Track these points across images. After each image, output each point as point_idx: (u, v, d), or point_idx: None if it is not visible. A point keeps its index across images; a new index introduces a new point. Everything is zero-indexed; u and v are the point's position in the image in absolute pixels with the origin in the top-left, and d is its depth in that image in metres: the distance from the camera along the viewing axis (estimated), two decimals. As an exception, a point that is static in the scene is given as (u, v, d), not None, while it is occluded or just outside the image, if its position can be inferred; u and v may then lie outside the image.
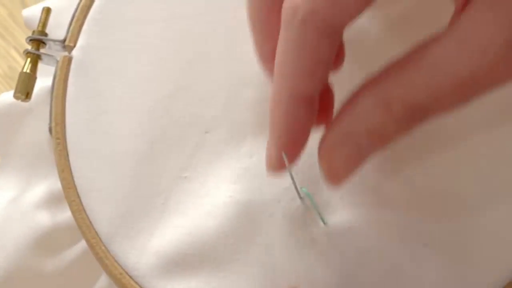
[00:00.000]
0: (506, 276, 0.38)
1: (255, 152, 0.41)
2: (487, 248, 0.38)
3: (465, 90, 0.30)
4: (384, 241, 0.38)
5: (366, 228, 0.39)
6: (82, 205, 0.40)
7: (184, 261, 0.39)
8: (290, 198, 0.39)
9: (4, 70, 0.55)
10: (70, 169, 0.41)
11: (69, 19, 0.45)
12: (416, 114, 0.30)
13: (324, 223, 0.39)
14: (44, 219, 0.43)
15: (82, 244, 0.42)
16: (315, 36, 0.31)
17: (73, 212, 0.40)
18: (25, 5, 0.56)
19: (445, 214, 0.39)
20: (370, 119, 0.31)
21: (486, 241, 0.38)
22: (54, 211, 0.43)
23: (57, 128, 0.42)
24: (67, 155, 0.41)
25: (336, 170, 0.33)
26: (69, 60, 0.43)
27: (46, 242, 0.42)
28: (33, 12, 0.49)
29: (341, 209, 0.39)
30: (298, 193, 0.39)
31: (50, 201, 0.43)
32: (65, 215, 0.43)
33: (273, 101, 0.34)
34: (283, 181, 0.39)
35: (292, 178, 0.38)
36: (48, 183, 0.44)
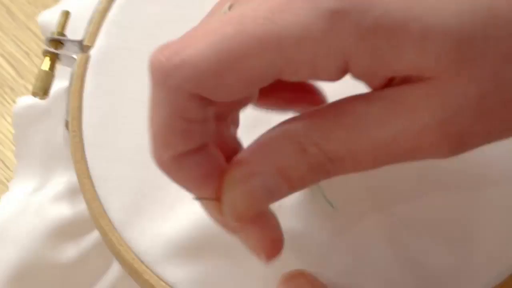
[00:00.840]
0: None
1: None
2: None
3: (383, 156, 0.29)
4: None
5: (375, 217, 0.39)
6: (96, 193, 0.41)
7: (194, 246, 0.40)
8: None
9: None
10: (86, 160, 0.42)
11: (81, 25, 0.46)
12: (331, 165, 0.29)
13: (333, 207, 0.39)
14: (57, 212, 0.44)
15: (94, 235, 0.43)
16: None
17: (87, 200, 0.41)
18: (11, 14, 0.58)
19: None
20: (283, 160, 0.29)
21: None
22: (67, 205, 0.44)
23: (74, 122, 0.43)
24: (83, 147, 0.42)
25: (238, 209, 0.31)
26: (87, 58, 0.45)
27: (59, 234, 0.43)
28: (50, 17, 0.51)
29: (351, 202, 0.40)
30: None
31: (64, 196, 0.44)
32: (78, 208, 0.43)
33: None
34: None
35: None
36: (62, 179, 0.45)
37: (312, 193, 0.40)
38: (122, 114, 0.43)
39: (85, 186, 0.41)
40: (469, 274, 0.38)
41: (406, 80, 0.28)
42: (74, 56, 0.45)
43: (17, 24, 0.53)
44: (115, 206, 0.41)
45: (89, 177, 0.42)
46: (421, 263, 0.38)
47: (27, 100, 0.49)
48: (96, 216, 0.41)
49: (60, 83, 0.47)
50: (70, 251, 0.43)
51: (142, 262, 0.40)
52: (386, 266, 0.39)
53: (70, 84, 0.44)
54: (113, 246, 0.40)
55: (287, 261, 0.39)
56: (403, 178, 0.40)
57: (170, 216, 0.41)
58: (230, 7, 0.30)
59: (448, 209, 0.39)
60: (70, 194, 0.44)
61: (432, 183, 0.40)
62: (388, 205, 0.40)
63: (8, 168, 0.61)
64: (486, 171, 0.40)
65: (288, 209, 0.40)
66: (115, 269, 0.42)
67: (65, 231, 0.43)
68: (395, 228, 0.39)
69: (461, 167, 0.39)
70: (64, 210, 0.44)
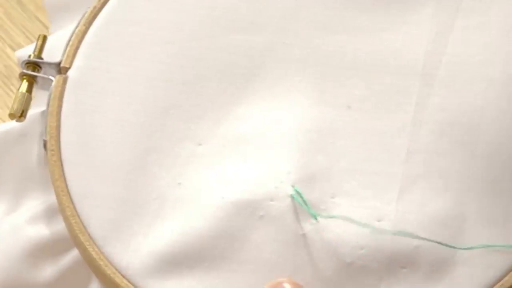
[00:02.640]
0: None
1: (247, 158, 0.42)
2: None
3: None
4: (375, 239, 0.39)
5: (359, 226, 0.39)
6: (76, 210, 0.41)
7: (177, 260, 0.39)
8: (282, 197, 0.40)
9: (-1, 69, 0.56)
10: (65, 178, 0.42)
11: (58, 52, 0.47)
12: None
13: (316, 219, 0.39)
14: (34, 232, 0.43)
15: (72, 253, 0.42)
16: None
17: (67, 217, 0.41)
18: (21, 4, 0.57)
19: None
20: None
21: None
22: (44, 225, 0.44)
23: (52, 141, 0.43)
24: (61, 165, 0.42)
25: None
26: (64, 79, 0.45)
27: (37, 254, 0.43)
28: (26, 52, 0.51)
29: (332, 207, 0.40)
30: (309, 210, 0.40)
31: (40, 216, 0.44)
32: (55, 227, 0.43)
33: None
34: (274, 181, 0.40)
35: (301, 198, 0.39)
36: (38, 202, 0.45)
37: (295, 204, 0.40)
38: (100, 133, 0.43)
39: (65, 203, 0.41)
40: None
41: None
42: (52, 78, 0.45)
43: (27, 15, 0.53)
44: (95, 222, 0.40)
45: (68, 194, 0.41)
46: None
47: (1, 126, 0.48)
48: (76, 232, 0.40)
49: (35, 109, 0.47)
50: (48, 270, 0.43)
51: (123, 276, 0.39)
52: None
53: (48, 104, 0.44)
54: (93, 261, 0.40)
55: (274, 270, 0.39)
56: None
57: (151, 232, 0.40)
58: None
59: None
60: (46, 214, 0.44)
61: None
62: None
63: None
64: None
65: (271, 220, 0.40)
66: (95, 287, 0.41)
67: (43, 251, 0.43)
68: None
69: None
70: (41, 230, 0.43)
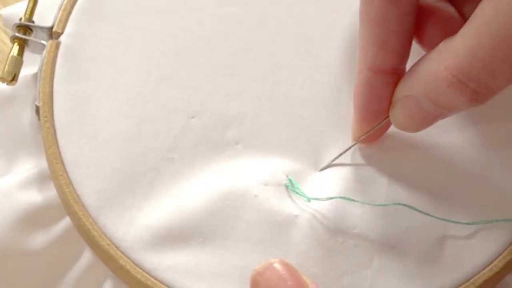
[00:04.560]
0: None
1: (241, 139, 0.42)
2: None
3: None
4: (366, 218, 0.40)
5: (351, 206, 0.40)
6: (69, 179, 0.41)
7: (171, 235, 0.39)
8: (276, 183, 0.41)
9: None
10: (58, 145, 0.41)
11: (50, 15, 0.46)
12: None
13: (308, 199, 0.40)
14: (26, 198, 0.43)
15: (65, 222, 0.42)
16: (380, 3, 0.34)
17: (61, 186, 0.40)
18: None
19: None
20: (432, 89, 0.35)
21: None
22: (36, 192, 0.43)
23: (45, 107, 0.42)
24: (55, 132, 0.42)
25: (400, 124, 0.38)
26: (57, 45, 0.44)
27: (28, 221, 0.42)
28: (13, 10, 0.50)
29: (325, 194, 0.40)
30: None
31: (32, 182, 0.43)
32: (47, 194, 0.42)
33: (356, 75, 0.38)
34: (269, 167, 0.41)
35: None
36: (30, 166, 0.44)
37: (289, 189, 0.40)
38: (94, 101, 0.43)
39: (58, 171, 0.41)
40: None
41: None
42: (44, 42, 0.45)
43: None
44: (89, 191, 0.40)
45: (61, 162, 0.41)
46: None
47: None
48: (70, 202, 0.40)
49: (25, 71, 0.46)
50: (39, 238, 0.42)
51: (117, 248, 0.39)
52: None
53: (40, 69, 0.44)
54: (87, 232, 0.40)
55: (267, 249, 0.39)
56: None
57: (144, 206, 0.40)
58: None
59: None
60: (38, 180, 0.43)
61: None
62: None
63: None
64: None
65: (265, 201, 0.40)
66: (87, 256, 0.41)
67: (34, 218, 0.42)
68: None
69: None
70: (33, 197, 0.43)
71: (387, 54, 0.37)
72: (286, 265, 0.38)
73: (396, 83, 0.37)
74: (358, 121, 0.40)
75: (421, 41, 0.38)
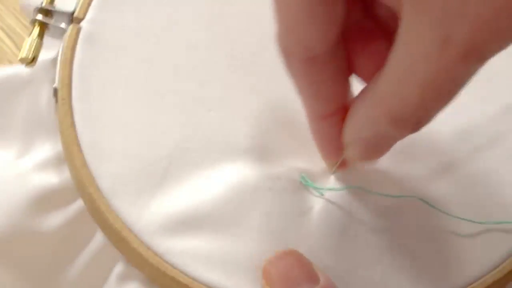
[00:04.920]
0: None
1: (256, 134, 0.42)
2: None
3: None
4: (379, 215, 0.40)
5: (364, 202, 0.40)
6: (85, 160, 0.41)
7: (185, 221, 0.39)
8: (290, 177, 0.41)
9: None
10: (75, 127, 0.42)
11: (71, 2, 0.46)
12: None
13: (322, 194, 0.40)
14: (40, 180, 0.43)
15: (77, 204, 0.42)
16: (293, 64, 0.34)
17: (76, 167, 0.41)
18: None
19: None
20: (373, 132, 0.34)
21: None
22: (51, 174, 0.43)
23: (63, 89, 0.43)
24: (72, 114, 0.42)
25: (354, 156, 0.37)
26: (78, 30, 0.45)
27: (41, 202, 0.42)
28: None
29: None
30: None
31: (46, 164, 0.44)
32: (61, 177, 0.43)
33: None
34: (283, 165, 0.41)
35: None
36: (44, 148, 0.44)
37: (301, 180, 0.41)
38: (113, 86, 0.43)
39: (74, 152, 0.41)
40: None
41: None
42: (64, 26, 0.45)
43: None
44: (104, 174, 0.40)
45: (78, 144, 0.41)
46: None
47: (7, 70, 0.48)
48: (85, 183, 0.40)
49: (44, 55, 0.46)
50: (52, 220, 0.42)
51: (131, 231, 0.39)
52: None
53: (60, 53, 0.44)
54: (101, 214, 0.40)
55: (279, 240, 0.39)
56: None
57: (159, 190, 0.40)
58: None
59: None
60: (54, 162, 0.43)
61: None
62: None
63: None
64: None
65: (278, 193, 0.40)
66: (98, 239, 0.42)
67: (48, 200, 0.42)
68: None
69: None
70: (48, 178, 0.43)
71: (324, 102, 0.37)
72: (298, 256, 0.38)
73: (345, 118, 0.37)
74: (325, 158, 0.41)
75: (357, 73, 0.37)
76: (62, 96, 0.43)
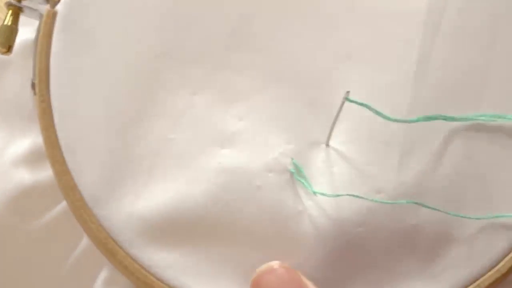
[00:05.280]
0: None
1: (245, 115, 0.40)
2: None
3: None
4: (373, 216, 0.39)
5: (357, 203, 0.39)
6: (66, 165, 0.39)
7: (170, 228, 0.38)
8: (280, 170, 0.39)
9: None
10: (55, 128, 0.40)
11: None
12: None
13: (314, 192, 0.38)
14: (24, 177, 0.42)
15: (63, 204, 0.41)
16: None
17: (57, 173, 0.39)
18: None
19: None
20: None
21: None
22: (34, 169, 0.42)
23: (41, 85, 0.40)
24: (51, 113, 0.40)
25: None
26: (54, 14, 0.42)
27: (25, 200, 0.41)
28: None
29: (331, 177, 0.39)
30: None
31: (30, 159, 0.42)
32: (46, 173, 0.41)
33: None
34: (273, 150, 0.39)
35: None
36: (28, 140, 0.43)
37: (294, 177, 0.39)
38: (93, 78, 0.41)
39: (55, 157, 0.39)
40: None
41: None
42: (40, 11, 0.42)
43: None
44: (86, 180, 0.39)
45: (58, 147, 0.39)
46: None
47: None
48: (67, 191, 0.39)
49: (22, 33, 0.44)
50: (37, 219, 0.42)
51: (115, 242, 0.38)
52: None
53: (36, 42, 0.41)
54: (85, 223, 0.39)
55: (269, 248, 0.38)
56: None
57: (144, 192, 0.39)
58: None
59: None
60: (36, 158, 0.42)
61: None
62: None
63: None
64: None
65: (268, 193, 0.39)
66: (86, 242, 0.41)
67: (31, 198, 0.41)
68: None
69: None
70: (29, 176, 0.42)
71: None
72: (287, 269, 0.37)
73: None
74: None
75: None
76: (40, 92, 0.40)
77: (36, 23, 0.43)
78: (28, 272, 0.43)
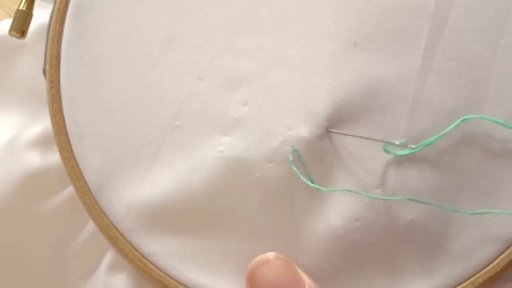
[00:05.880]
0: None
1: (249, 100, 0.40)
2: None
3: None
4: (370, 210, 0.39)
5: (354, 197, 0.39)
6: (72, 152, 0.40)
7: (171, 217, 0.39)
8: (280, 160, 0.39)
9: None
10: (63, 114, 0.40)
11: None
12: None
13: (313, 183, 0.38)
14: (35, 160, 0.43)
15: (71, 189, 0.42)
16: None
17: (63, 159, 0.40)
18: None
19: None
20: None
21: None
22: (45, 153, 0.43)
23: (51, 71, 0.41)
24: (60, 99, 0.41)
25: None
26: (67, 1, 0.42)
27: (35, 183, 0.42)
28: None
29: (333, 169, 0.39)
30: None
31: (42, 142, 0.43)
32: (56, 157, 0.42)
33: None
34: (274, 139, 0.39)
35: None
36: (41, 124, 0.43)
37: (294, 169, 0.39)
38: (102, 65, 0.41)
39: (62, 143, 0.40)
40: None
41: None
42: (54, -5, 0.43)
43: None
44: (91, 166, 0.40)
45: (65, 133, 0.40)
46: None
47: (4, 29, 0.46)
48: (72, 177, 0.40)
49: (42, 16, 0.44)
50: (45, 202, 0.42)
51: (116, 229, 0.39)
52: None
53: (49, 28, 0.42)
54: (89, 209, 0.39)
55: (268, 239, 0.38)
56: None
57: (147, 179, 0.40)
58: None
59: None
60: (48, 141, 0.42)
61: None
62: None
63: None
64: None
65: (267, 184, 0.39)
66: (93, 224, 0.41)
67: (41, 181, 0.42)
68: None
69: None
70: (40, 159, 0.42)
71: None
72: (282, 260, 0.37)
73: None
74: None
75: None
76: (50, 78, 0.41)
77: (51, 7, 0.43)
78: (33, 252, 0.44)
